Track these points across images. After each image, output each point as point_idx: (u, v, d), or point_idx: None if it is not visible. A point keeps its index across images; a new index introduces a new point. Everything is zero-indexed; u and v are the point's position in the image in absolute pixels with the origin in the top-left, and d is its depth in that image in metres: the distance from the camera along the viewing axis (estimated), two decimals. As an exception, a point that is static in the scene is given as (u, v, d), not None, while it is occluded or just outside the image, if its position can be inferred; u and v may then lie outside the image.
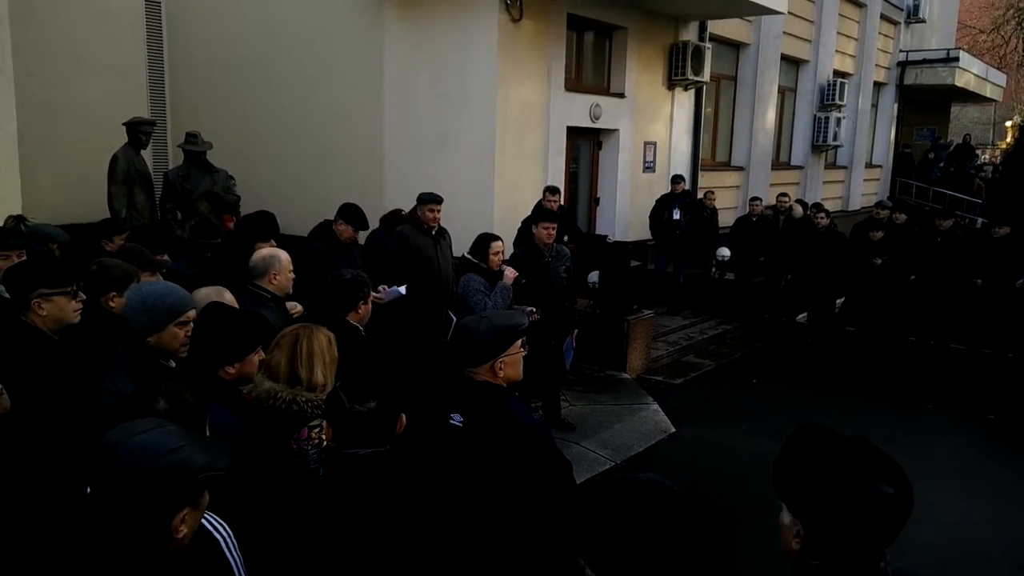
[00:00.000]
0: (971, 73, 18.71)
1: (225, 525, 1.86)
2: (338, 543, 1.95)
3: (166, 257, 4.96)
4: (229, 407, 2.37)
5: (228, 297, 3.21)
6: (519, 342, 2.66)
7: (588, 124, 9.38)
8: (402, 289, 5.41)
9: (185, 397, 2.00)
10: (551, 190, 7.95)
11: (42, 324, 2.89)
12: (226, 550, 1.83)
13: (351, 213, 5.91)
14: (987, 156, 27.11)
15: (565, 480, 2.68)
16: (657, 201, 9.86)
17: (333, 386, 2.42)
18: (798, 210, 10.92)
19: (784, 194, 11.04)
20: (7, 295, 3.45)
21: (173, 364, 2.72)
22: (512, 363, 2.64)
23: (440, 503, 2.14)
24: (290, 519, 2.04)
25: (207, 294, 3.19)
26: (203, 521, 1.82)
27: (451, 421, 2.62)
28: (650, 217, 9.86)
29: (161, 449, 1.53)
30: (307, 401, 2.64)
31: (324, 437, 2.26)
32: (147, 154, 7.60)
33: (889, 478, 1.52)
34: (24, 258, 3.91)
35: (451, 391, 2.68)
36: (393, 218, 6.83)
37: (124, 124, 7.24)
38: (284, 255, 3.90)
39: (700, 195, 10.89)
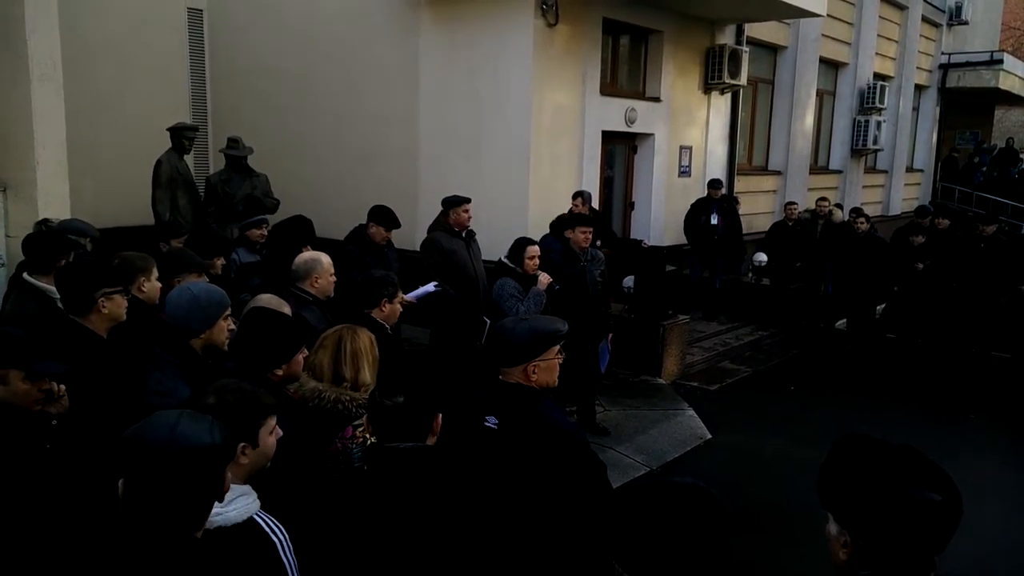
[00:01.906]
0: (1015, 76, 18.30)
1: (282, 528, 1.89)
2: (379, 535, 1.97)
3: (222, 260, 4.98)
4: (277, 407, 2.41)
5: (287, 309, 3.18)
6: (556, 348, 2.64)
7: (623, 128, 9.35)
8: (430, 287, 5.36)
9: (246, 393, 2.05)
10: (577, 195, 7.85)
11: (99, 323, 2.95)
12: (282, 554, 1.86)
13: (381, 215, 5.91)
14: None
15: (600, 482, 2.68)
16: (693, 205, 9.80)
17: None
18: (838, 215, 10.76)
19: (824, 198, 10.91)
20: (52, 296, 3.55)
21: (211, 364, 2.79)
22: (546, 368, 2.62)
23: (475, 504, 2.15)
24: (335, 514, 2.07)
25: (268, 300, 3.20)
26: (261, 523, 1.85)
27: (486, 423, 2.64)
28: (685, 221, 9.80)
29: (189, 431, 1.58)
30: (351, 400, 2.68)
31: (368, 435, 2.29)
32: (189, 159, 7.75)
33: (937, 485, 1.50)
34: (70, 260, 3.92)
35: (486, 394, 2.69)
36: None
37: (168, 129, 7.38)
38: (326, 259, 3.97)
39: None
